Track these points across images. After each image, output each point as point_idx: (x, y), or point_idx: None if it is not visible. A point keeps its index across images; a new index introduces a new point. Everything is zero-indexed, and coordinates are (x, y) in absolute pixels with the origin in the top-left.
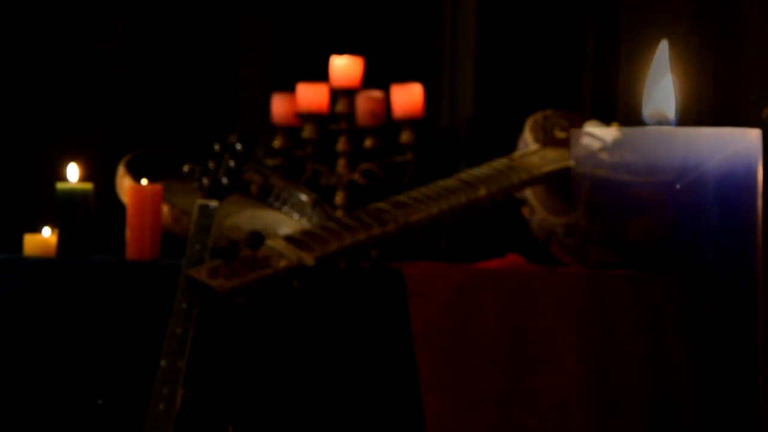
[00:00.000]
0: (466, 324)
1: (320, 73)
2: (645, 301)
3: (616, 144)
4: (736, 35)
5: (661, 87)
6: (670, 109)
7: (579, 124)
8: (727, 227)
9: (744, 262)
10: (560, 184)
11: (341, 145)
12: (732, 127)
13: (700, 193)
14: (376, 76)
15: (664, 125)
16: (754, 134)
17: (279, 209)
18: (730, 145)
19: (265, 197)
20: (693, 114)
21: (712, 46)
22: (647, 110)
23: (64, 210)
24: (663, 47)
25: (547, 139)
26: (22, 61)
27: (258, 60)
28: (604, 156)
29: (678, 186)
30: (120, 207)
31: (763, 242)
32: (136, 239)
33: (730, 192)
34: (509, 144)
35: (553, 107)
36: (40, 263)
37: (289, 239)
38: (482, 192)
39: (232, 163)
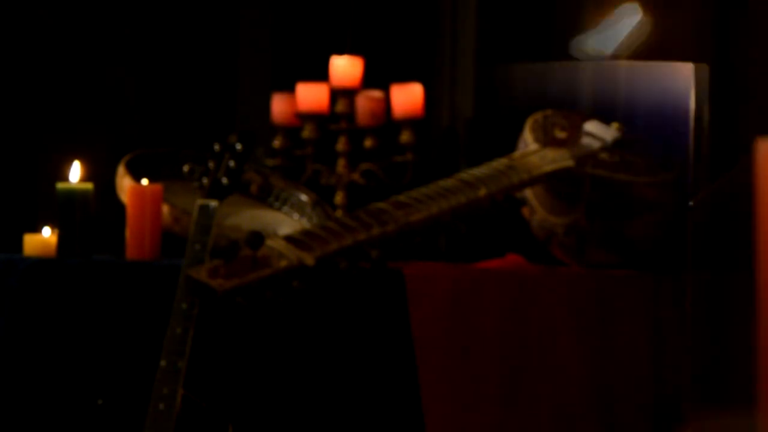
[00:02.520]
0: (465, 324)
1: (320, 73)
2: (645, 301)
3: (616, 144)
4: None
5: (616, 25)
6: (610, 44)
7: (579, 124)
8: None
9: (742, 259)
10: (560, 184)
11: (341, 145)
12: (662, 62)
13: (631, 127)
14: (376, 76)
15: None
16: (686, 69)
17: (279, 209)
18: (661, 80)
19: (265, 197)
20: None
21: None
22: (587, 45)
23: (64, 210)
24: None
25: (547, 139)
26: (22, 61)
27: (258, 60)
28: (604, 156)
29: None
30: (120, 207)
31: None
32: (136, 239)
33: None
34: (509, 144)
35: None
36: (40, 263)
37: (289, 239)
38: (482, 192)
39: (232, 163)
